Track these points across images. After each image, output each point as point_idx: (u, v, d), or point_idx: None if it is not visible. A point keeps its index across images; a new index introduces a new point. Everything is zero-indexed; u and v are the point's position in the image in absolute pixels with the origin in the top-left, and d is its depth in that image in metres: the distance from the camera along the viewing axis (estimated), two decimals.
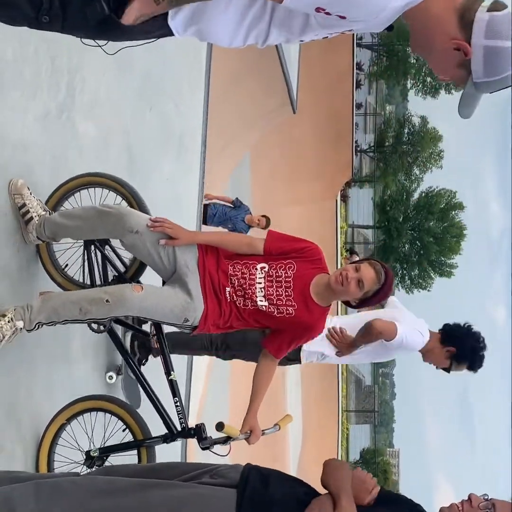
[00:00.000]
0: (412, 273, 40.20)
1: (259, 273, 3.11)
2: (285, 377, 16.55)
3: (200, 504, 2.16)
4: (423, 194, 38.76)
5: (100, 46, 2.16)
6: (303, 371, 19.30)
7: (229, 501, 2.16)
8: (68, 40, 2.10)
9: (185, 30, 1.95)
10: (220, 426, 3.03)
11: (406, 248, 39.39)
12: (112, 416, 3.46)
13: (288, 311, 3.11)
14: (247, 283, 3.10)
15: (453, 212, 38.00)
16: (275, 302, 3.10)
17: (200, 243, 3.15)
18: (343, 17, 1.77)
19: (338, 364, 20.92)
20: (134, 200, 3.47)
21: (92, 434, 3.46)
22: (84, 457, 3.38)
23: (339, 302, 3.37)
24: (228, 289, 3.11)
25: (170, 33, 1.96)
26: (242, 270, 3.12)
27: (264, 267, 3.12)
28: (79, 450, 3.44)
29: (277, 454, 15.03)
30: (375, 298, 3.14)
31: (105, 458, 3.39)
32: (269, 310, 3.10)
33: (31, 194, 3.34)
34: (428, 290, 40.87)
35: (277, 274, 3.11)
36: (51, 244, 3.54)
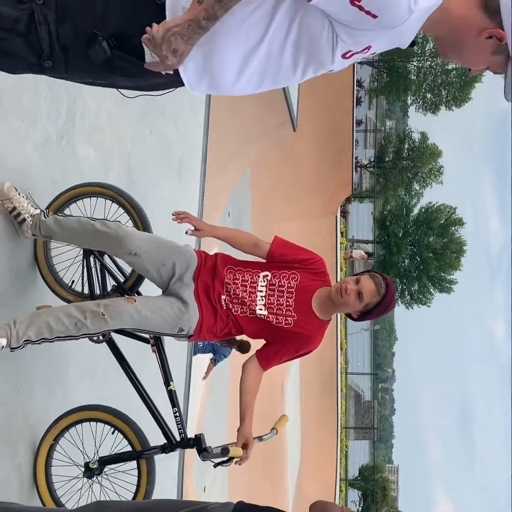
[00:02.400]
0: (412, 289, 40.10)
1: (261, 281, 3.11)
2: (284, 393, 16.50)
3: None
4: (423, 210, 38.72)
5: (121, 92, 2.14)
6: (302, 386, 19.23)
7: None
8: None
9: (198, 83, 1.89)
10: (225, 452, 3.02)
11: (406, 263, 39.32)
12: (108, 426, 3.46)
13: (287, 321, 3.09)
14: (248, 290, 3.09)
15: (453, 228, 37.97)
16: (275, 311, 3.09)
17: (215, 236, 3.24)
18: (375, 16, 1.72)
19: (337, 378, 20.77)
20: (138, 217, 3.47)
21: (83, 446, 3.47)
22: (83, 468, 3.38)
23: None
24: (223, 296, 3.11)
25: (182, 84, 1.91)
26: (244, 277, 3.12)
27: (267, 276, 3.12)
28: (76, 465, 3.44)
29: (275, 471, 14.94)
30: (376, 310, 3.10)
31: (103, 468, 3.39)
32: (268, 318, 3.09)
33: (19, 194, 3.26)
34: (428, 306, 40.75)
35: (280, 283, 3.11)
36: (49, 242, 3.52)
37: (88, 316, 2.96)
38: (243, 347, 8.14)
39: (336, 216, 21.22)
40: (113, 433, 3.41)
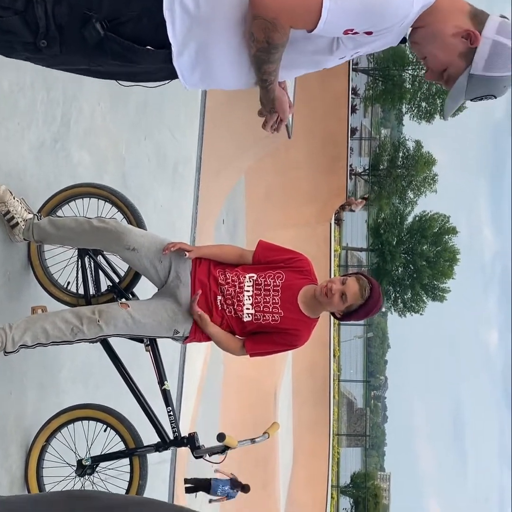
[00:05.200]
0: (405, 297, 40.17)
1: (247, 281, 3.16)
2: (277, 400, 16.49)
3: None
4: (417, 218, 38.85)
5: (117, 81, 2.15)
6: (295, 393, 19.22)
7: None
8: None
9: (192, 72, 1.91)
10: (221, 437, 3.14)
11: (399, 271, 39.38)
12: (100, 424, 3.47)
13: (274, 318, 3.15)
14: (236, 291, 3.14)
15: (446, 237, 38.08)
16: (261, 309, 3.15)
17: (202, 256, 3.21)
18: (370, 33, 1.81)
19: (329, 386, 20.75)
20: (132, 215, 3.49)
21: (75, 446, 3.48)
22: (76, 466, 3.41)
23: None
24: (219, 297, 3.15)
25: (175, 76, 1.94)
26: (232, 278, 3.17)
27: (253, 276, 3.18)
28: (68, 464, 3.46)
29: (267, 478, 14.92)
30: (359, 312, 3.16)
31: (95, 466, 3.41)
32: (255, 317, 3.14)
33: (14, 198, 3.27)
34: (421, 314, 40.84)
35: (265, 282, 3.17)
36: (42, 245, 3.51)
37: (85, 322, 2.99)
38: (245, 490, 8.88)
39: (330, 223, 21.24)
40: (105, 430, 3.43)
